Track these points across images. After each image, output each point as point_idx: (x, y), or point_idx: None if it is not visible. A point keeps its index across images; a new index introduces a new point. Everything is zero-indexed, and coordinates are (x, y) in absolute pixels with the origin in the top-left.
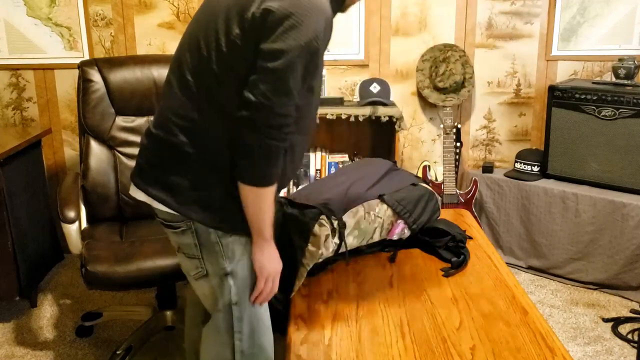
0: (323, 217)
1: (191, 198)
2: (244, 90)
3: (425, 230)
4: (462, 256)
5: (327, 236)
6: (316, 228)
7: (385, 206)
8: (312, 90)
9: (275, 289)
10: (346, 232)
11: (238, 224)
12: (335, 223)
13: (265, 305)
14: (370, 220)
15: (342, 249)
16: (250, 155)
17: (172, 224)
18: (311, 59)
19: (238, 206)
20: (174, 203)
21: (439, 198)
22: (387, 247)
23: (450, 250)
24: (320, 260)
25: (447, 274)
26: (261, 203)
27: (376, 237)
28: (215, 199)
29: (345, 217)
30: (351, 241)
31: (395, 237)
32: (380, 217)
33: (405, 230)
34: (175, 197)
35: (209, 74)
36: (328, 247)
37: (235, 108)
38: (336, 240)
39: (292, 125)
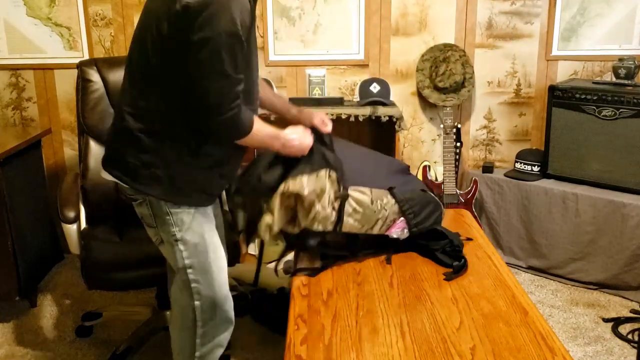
0: (332, 172)
1: (145, 176)
2: (188, 97)
3: (422, 232)
4: (462, 259)
5: (330, 192)
6: (323, 173)
7: (393, 200)
8: (250, 65)
9: (306, 143)
10: (347, 212)
11: (186, 198)
12: (339, 187)
13: (223, 274)
14: (376, 209)
15: (340, 230)
16: (220, 132)
17: (133, 197)
18: (236, 41)
19: (186, 182)
20: (131, 181)
21: (444, 211)
22: (383, 250)
23: (447, 254)
24: (315, 223)
25: (448, 277)
26: (256, 140)
27: (376, 230)
28: (165, 176)
29: (350, 191)
30: (352, 223)
31: (393, 235)
32: (386, 210)
33: (405, 231)
34: (131, 175)
35: (151, 67)
36: (325, 207)
37: (176, 94)
38: (335, 205)
39: (239, 97)
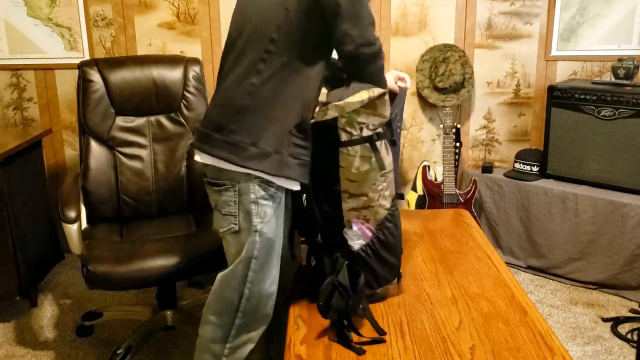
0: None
1: (251, 153)
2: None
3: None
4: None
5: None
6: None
7: (388, 205)
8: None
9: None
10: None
11: (291, 171)
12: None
13: (277, 271)
14: (375, 190)
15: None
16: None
17: (218, 181)
18: None
19: (291, 155)
20: (237, 159)
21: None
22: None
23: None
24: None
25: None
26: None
27: (349, 203)
28: (271, 151)
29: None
30: (352, 171)
31: (349, 235)
32: (374, 206)
33: (361, 241)
34: (237, 154)
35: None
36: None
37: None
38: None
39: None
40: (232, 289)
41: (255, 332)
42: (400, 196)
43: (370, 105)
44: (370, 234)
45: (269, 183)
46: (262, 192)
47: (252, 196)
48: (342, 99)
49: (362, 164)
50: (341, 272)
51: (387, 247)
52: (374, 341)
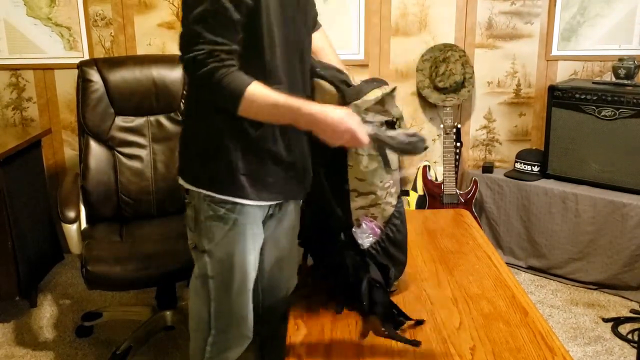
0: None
1: (199, 170)
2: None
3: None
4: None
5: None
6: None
7: (395, 202)
8: (272, 38)
9: (361, 139)
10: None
11: (240, 190)
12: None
13: (243, 297)
14: (382, 188)
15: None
16: (192, 83)
17: (185, 195)
18: None
19: (245, 174)
20: (186, 176)
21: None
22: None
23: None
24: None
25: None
26: (258, 112)
27: (357, 202)
28: (221, 169)
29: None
30: (360, 169)
31: (359, 234)
32: (381, 203)
33: (371, 238)
34: (186, 171)
35: None
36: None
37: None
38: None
39: (216, 45)
40: (200, 302)
41: (234, 351)
42: (405, 193)
43: (380, 102)
44: (379, 231)
45: (218, 203)
46: (211, 212)
47: (202, 216)
48: (359, 97)
49: (370, 162)
50: (372, 269)
51: (395, 243)
52: (411, 342)
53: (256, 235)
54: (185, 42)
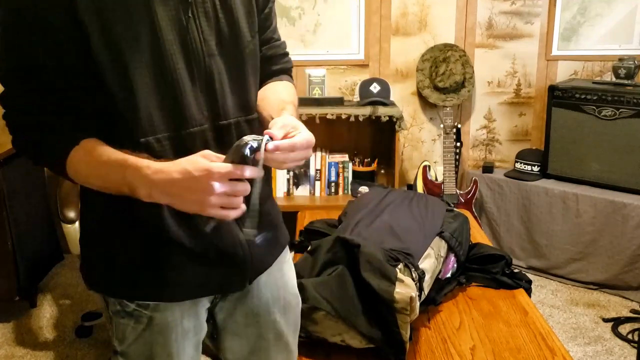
0: (401, 266)
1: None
2: None
3: (471, 259)
4: (524, 279)
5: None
6: (400, 276)
7: (443, 242)
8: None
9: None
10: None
11: (104, 281)
12: (415, 274)
13: None
14: (439, 262)
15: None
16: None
17: None
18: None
19: (100, 260)
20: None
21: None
22: (445, 292)
23: (508, 275)
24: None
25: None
26: (76, 174)
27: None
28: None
29: (421, 264)
30: (425, 291)
31: (448, 275)
32: (442, 256)
33: (455, 265)
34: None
35: None
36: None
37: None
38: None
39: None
40: None
41: None
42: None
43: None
44: (452, 260)
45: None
46: (118, 307)
47: (110, 310)
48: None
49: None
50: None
51: (460, 236)
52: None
53: (187, 332)
54: None
